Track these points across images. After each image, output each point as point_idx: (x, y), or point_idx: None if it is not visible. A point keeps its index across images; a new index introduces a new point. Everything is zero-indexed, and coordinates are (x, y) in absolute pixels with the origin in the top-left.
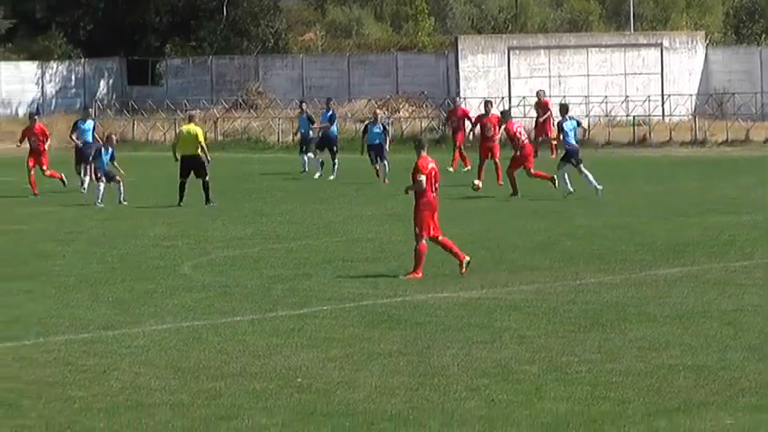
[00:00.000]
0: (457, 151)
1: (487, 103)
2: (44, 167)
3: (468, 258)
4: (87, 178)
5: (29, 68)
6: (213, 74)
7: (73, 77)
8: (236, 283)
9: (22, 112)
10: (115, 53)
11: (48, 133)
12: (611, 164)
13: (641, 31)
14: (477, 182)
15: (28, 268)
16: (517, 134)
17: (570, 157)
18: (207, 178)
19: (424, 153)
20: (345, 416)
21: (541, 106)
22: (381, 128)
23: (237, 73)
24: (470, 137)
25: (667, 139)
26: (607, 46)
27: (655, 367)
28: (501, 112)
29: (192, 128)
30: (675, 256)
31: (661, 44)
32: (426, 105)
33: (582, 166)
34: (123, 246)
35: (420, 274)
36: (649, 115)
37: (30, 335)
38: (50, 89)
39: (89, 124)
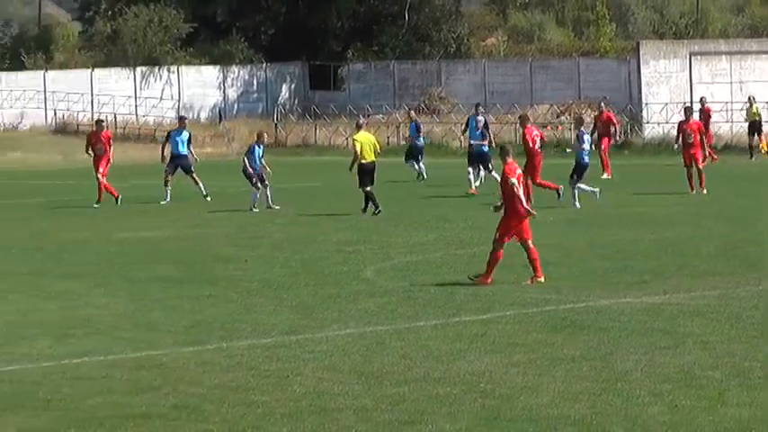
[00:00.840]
0: (605, 156)
1: (687, 110)
2: (101, 175)
3: (542, 279)
4: (169, 189)
5: (210, 73)
6: (395, 78)
7: (255, 82)
8: (419, 288)
9: (204, 116)
10: (297, 58)
11: (112, 141)
12: None
13: None
14: (691, 190)
15: (210, 273)
16: (532, 142)
17: (582, 171)
18: (372, 187)
19: (510, 159)
20: (529, 421)
21: (704, 113)
22: (482, 135)
23: (420, 78)
24: (675, 146)
25: None
26: None
27: None
28: (519, 117)
29: (369, 135)
30: None
31: None
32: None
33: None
34: (306, 250)
35: (489, 281)
36: None
37: (212, 339)
38: (232, 93)
39: (184, 135)
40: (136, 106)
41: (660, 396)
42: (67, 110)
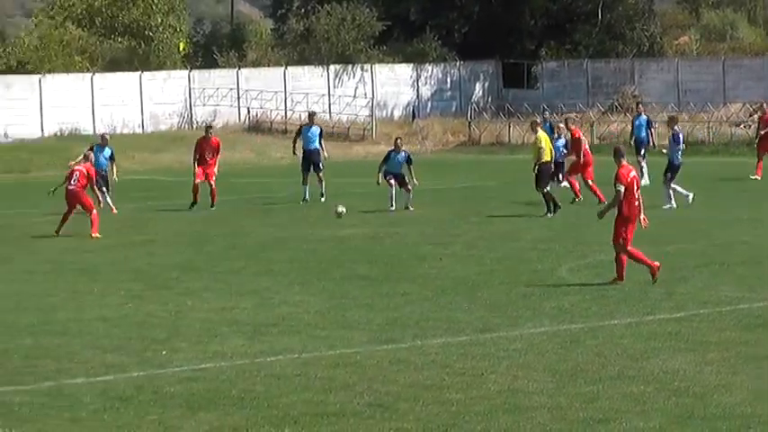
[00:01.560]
0: (762, 159)
1: None
2: (212, 181)
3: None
4: (307, 188)
5: (404, 71)
6: (589, 77)
7: (448, 80)
8: (613, 287)
9: (397, 114)
10: (490, 56)
11: (220, 149)
12: None
13: None
14: None
15: (405, 271)
16: (581, 141)
17: (675, 171)
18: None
19: (624, 162)
20: (722, 419)
21: None
22: (564, 142)
23: (613, 76)
24: None
25: None
26: None
27: None
28: (565, 119)
29: (546, 135)
30: None
31: None
32: None
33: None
34: (500, 248)
35: (656, 265)
36: None
37: (406, 337)
38: (425, 92)
39: (314, 130)
40: (329, 104)
41: None
42: (261, 108)
